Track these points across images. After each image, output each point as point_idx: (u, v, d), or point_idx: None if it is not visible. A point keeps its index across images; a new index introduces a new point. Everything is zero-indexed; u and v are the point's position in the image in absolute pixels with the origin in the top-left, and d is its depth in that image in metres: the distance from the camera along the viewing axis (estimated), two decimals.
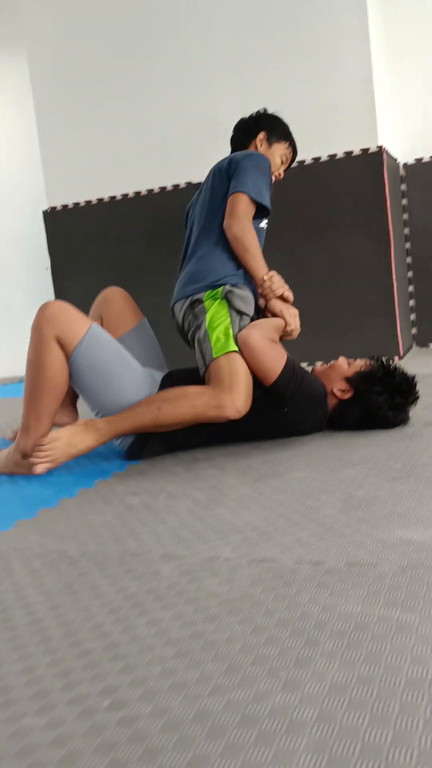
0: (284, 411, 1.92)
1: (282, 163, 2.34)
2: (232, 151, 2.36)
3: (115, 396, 1.88)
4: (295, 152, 2.38)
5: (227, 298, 2.00)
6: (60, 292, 4.15)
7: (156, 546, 1.25)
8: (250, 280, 2.09)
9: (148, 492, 1.62)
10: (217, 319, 1.97)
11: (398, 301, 3.47)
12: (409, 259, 3.86)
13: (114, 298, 2.19)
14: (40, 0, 4.01)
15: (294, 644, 0.85)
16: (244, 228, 2.04)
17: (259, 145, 2.29)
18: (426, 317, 3.87)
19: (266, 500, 1.45)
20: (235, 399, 1.82)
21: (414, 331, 3.92)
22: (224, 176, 2.17)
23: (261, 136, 2.29)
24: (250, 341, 1.89)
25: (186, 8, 3.69)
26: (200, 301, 2.04)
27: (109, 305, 2.18)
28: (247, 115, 2.39)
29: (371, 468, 1.61)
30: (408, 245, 3.85)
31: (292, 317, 2.05)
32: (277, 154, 2.31)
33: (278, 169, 2.34)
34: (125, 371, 1.90)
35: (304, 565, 1.09)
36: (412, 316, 3.90)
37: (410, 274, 3.87)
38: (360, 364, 2.00)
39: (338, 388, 1.96)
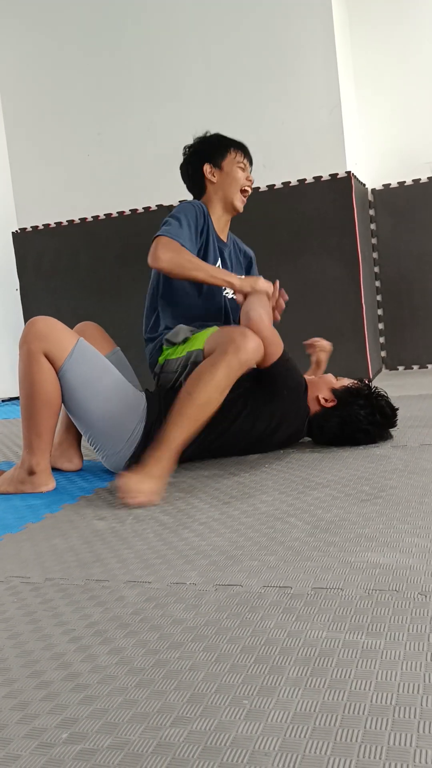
0: (284, 393, 1.98)
1: (242, 170, 2.20)
2: (193, 195, 2.30)
3: (106, 408, 1.86)
4: (245, 151, 2.22)
5: (168, 341, 2.07)
6: (29, 314, 4.12)
7: (121, 571, 1.23)
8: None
9: (115, 516, 1.60)
10: (176, 351, 2.03)
11: (367, 324, 3.51)
12: (377, 283, 3.92)
13: (87, 329, 2.17)
14: (9, 24, 4.03)
15: (258, 672, 0.84)
16: (170, 255, 1.94)
17: (212, 178, 2.18)
18: (395, 340, 3.92)
19: (234, 523, 1.44)
20: (240, 335, 1.82)
21: (383, 353, 3.96)
22: None
23: (207, 168, 2.19)
24: (264, 323, 1.91)
25: (158, 33, 3.73)
26: (168, 363, 2.06)
27: (84, 335, 2.13)
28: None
29: (339, 490, 1.61)
30: (377, 269, 3.91)
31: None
32: (232, 168, 2.19)
33: (243, 178, 2.20)
34: (113, 383, 1.90)
35: (270, 590, 1.08)
36: (381, 339, 3.95)
37: (379, 297, 3.93)
38: (348, 381, 2.10)
39: (323, 396, 2.05)
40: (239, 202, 2.21)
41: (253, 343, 1.83)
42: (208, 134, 2.26)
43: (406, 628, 0.90)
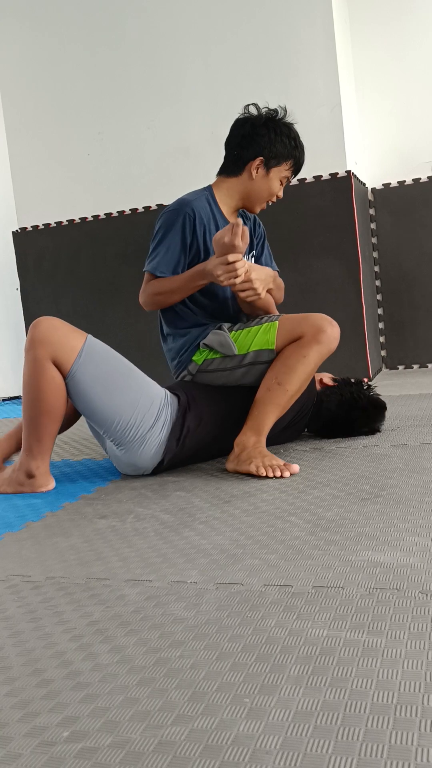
0: None
1: (281, 184, 2.08)
2: (223, 163, 2.11)
3: (123, 399, 1.81)
4: (298, 168, 2.10)
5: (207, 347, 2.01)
6: (29, 313, 4.12)
7: (122, 570, 1.23)
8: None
9: (115, 514, 1.60)
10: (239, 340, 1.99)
11: (367, 323, 3.51)
12: (377, 282, 3.92)
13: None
14: (10, 23, 4.03)
15: (259, 670, 0.84)
16: (145, 297, 2.04)
17: (253, 173, 2.03)
18: (395, 339, 3.91)
19: (235, 522, 1.44)
20: (329, 324, 1.88)
21: (383, 353, 3.96)
22: None
23: (257, 163, 2.02)
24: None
25: (158, 32, 3.73)
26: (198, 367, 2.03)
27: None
28: (244, 115, 2.08)
29: (340, 489, 1.61)
30: (377, 268, 3.91)
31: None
32: (276, 178, 2.06)
33: (277, 191, 2.09)
34: (127, 375, 1.85)
35: (271, 588, 1.08)
36: (382, 339, 3.95)
37: (379, 297, 3.92)
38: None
39: (323, 382, 2.16)
40: (258, 208, 2.14)
41: (338, 328, 1.91)
42: (285, 118, 2.07)
43: (407, 627, 0.90)
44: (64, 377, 1.79)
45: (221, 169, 2.12)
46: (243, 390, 2.00)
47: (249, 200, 2.10)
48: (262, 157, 2.01)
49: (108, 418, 1.82)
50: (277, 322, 1.94)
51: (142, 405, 1.83)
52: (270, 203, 2.13)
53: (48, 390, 1.78)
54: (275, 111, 2.06)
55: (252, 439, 1.87)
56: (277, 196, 2.11)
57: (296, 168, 2.09)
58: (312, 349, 1.87)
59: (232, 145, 2.08)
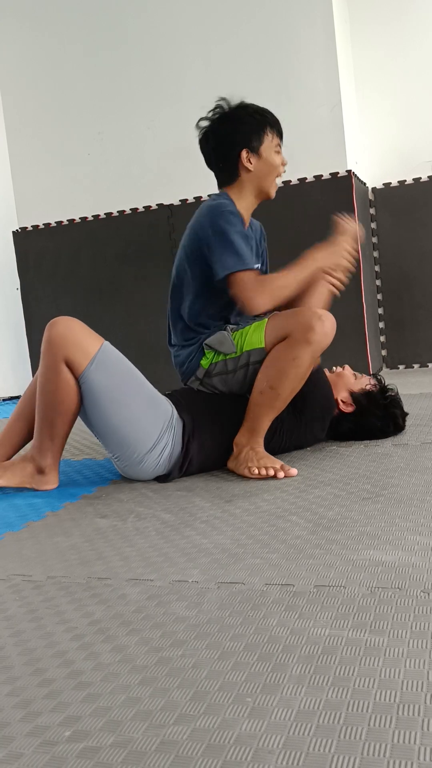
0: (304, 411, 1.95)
1: (279, 153, 1.99)
2: (218, 181, 2.04)
3: (126, 415, 1.77)
4: (279, 129, 2.00)
5: (210, 347, 1.95)
6: (30, 313, 4.12)
7: (123, 569, 1.23)
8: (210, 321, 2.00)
9: (116, 514, 1.59)
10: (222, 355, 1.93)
11: (368, 323, 3.51)
12: (378, 282, 3.92)
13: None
14: (11, 23, 4.03)
15: (261, 669, 0.83)
16: (265, 298, 1.84)
17: (248, 166, 1.95)
18: (395, 339, 3.91)
19: (236, 521, 1.44)
20: (317, 320, 1.76)
21: (384, 352, 3.96)
22: (193, 255, 1.94)
23: (244, 156, 1.94)
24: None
25: (158, 32, 3.73)
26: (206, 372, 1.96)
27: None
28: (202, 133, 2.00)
29: (341, 489, 1.61)
30: (377, 268, 3.91)
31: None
32: (269, 153, 1.96)
33: (279, 162, 1.99)
34: (140, 393, 1.80)
35: (273, 588, 1.07)
36: (382, 338, 3.94)
37: (380, 296, 3.92)
38: (365, 381, 2.07)
39: (342, 399, 2.04)
40: (274, 190, 2.03)
41: (330, 322, 1.78)
42: (231, 104, 1.98)
43: (409, 626, 0.90)
44: (77, 379, 1.76)
45: (220, 184, 2.04)
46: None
47: (261, 189, 2.01)
48: (244, 149, 1.94)
49: (107, 432, 1.80)
50: (266, 320, 1.88)
51: (144, 426, 1.78)
52: (281, 176, 2.04)
53: (63, 392, 1.76)
54: (218, 106, 1.99)
55: (244, 438, 1.85)
56: (283, 165, 2.01)
57: (277, 130, 2.00)
58: (302, 350, 1.77)
59: (212, 162, 2.03)
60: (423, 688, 0.75)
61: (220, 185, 2.04)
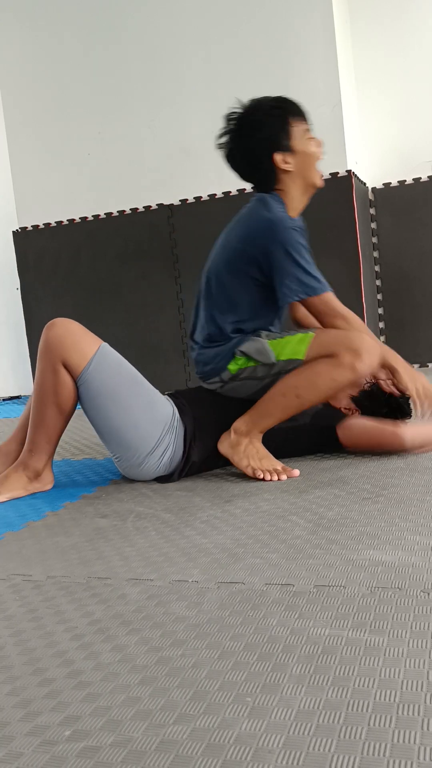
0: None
1: (310, 139, 1.88)
2: (259, 190, 1.93)
3: (126, 417, 1.76)
4: (303, 113, 1.88)
5: (245, 354, 1.87)
6: (30, 313, 4.12)
7: (123, 569, 1.23)
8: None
9: (116, 514, 1.59)
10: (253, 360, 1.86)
11: (368, 322, 3.51)
12: (378, 282, 3.92)
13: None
14: (11, 23, 4.03)
15: (261, 669, 0.83)
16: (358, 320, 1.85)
17: (287, 167, 1.85)
18: (395, 339, 3.91)
19: (236, 521, 1.44)
20: (366, 351, 1.73)
21: None
22: (246, 259, 1.85)
23: (278, 158, 1.84)
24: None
25: (158, 32, 3.73)
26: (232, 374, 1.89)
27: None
28: (217, 132, 1.91)
29: (341, 489, 1.61)
30: (377, 268, 3.91)
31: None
32: (302, 143, 1.85)
33: (315, 147, 1.88)
34: (136, 392, 1.79)
35: (273, 587, 1.07)
36: (382, 338, 3.95)
37: (380, 296, 3.92)
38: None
39: (345, 407, 2.01)
40: (319, 177, 1.92)
41: (375, 356, 1.77)
42: (243, 107, 1.88)
43: (409, 626, 0.90)
44: (75, 380, 1.76)
45: (262, 191, 1.92)
46: None
47: (306, 184, 1.91)
48: (275, 152, 1.83)
49: (107, 433, 1.80)
50: (313, 334, 1.81)
51: (144, 427, 1.78)
52: (321, 158, 1.92)
53: (61, 394, 1.76)
54: (232, 116, 1.90)
55: (245, 426, 1.81)
56: (319, 148, 1.90)
57: (300, 115, 1.87)
58: (343, 375, 1.74)
59: (247, 175, 1.94)
60: (423, 687, 0.75)
61: (264, 192, 1.92)
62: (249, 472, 1.79)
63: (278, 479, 1.75)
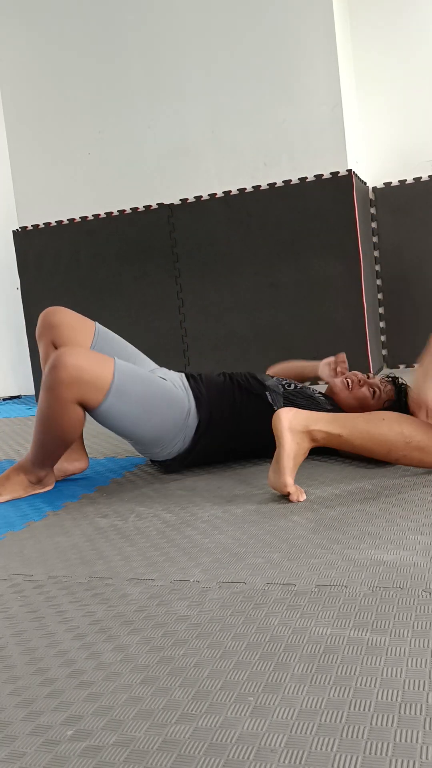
0: None
1: None
2: None
3: (151, 432, 1.80)
4: None
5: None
6: (30, 312, 4.11)
7: (125, 569, 1.23)
8: None
9: (117, 513, 1.59)
10: None
11: (368, 322, 3.51)
12: (379, 281, 3.92)
13: (62, 319, 1.95)
14: (11, 23, 4.03)
15: (263, 668, 0.83)
16: None
17: None
18: (396, 338, 3.91)
19: (237, 521, 1.44)
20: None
21: (384, 352, 3.96)
22: None
23: None
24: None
25: (159, 32, 3.73)
26: None
27: (59, 329, 1.94)
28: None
29: (343, 488, 1.61)
30: (378, 267, 3.91)
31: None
32: None
33: None
34: (157, 398, 1.78)
35: (274, 587, 1.07)
36: (383, 338, 3.94)
37: (380, 296, 3.92)
38: (376, 382, 1.99)
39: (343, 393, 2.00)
40: None
41: None
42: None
43: (410, 625, 0.90)
44: (89, 410, 1.72)
45: None
46: (257, 427, 1.88)
47: None
48: None
49: (130, 437, 1.84)
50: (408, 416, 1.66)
51: (166, 428, 1.81)
52: None
53: (69, 427, 1.72)
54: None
55: (314, 435, 1.62)
56: None
57: None
58: (421, 459, 1.63)
59: None
60: (425, 687, 0.75)
61: None
62: (294, 498, 1.55)
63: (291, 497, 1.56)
